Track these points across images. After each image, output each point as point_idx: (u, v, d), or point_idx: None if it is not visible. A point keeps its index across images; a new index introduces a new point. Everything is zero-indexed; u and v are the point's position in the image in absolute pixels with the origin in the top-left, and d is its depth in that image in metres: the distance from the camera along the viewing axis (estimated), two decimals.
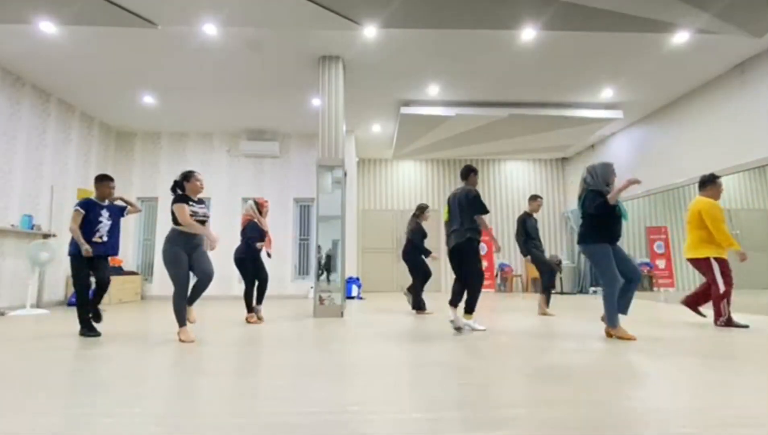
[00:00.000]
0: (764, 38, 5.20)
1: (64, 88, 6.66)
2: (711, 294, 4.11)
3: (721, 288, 3.99)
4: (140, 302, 7.48)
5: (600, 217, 3.40)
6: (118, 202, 4.09)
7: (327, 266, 5.73)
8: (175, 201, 3.45)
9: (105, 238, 3.87)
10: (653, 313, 5.25)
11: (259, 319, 4.65)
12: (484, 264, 5.55)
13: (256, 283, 4.73)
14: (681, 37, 5.26)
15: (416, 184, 10.50)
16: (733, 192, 8.60)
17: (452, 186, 10.48)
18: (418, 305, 5.42)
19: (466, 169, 4.27)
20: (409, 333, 3.78)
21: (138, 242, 8.56)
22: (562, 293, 9.25)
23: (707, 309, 4.30)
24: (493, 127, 7.99)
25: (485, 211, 4.03)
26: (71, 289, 6.96)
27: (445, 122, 7.67)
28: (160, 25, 4.95)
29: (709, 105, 6.45)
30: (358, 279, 8.40)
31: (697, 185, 4.37)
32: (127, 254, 8.33)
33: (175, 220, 3.45)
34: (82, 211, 3.77)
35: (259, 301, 4.74)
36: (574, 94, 7.04)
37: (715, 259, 4.03)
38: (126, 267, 8.05)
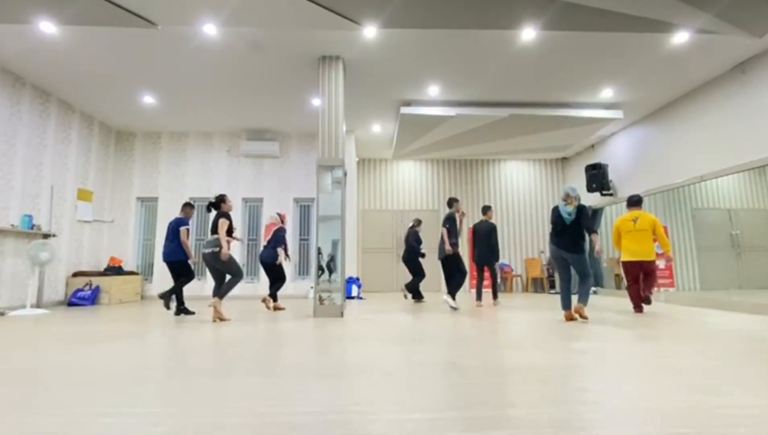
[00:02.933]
0: (764, 38, 5.20)
1: (64, 88, 6.67)
2: (648, 286, 5.18)
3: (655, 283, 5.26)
4: (140, 302, 7.47)
5: (583, 231, 4.46)
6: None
7: (329, 266, 5.80)
8: (218, 217, 4.81)
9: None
10: (652, 311, 5.25)
11: (280, 308, 5.83)
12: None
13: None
14: (681, 37, 5.26)
15: (416, 184, 10.50)
16: (733, 192, 8.59)
17: (452, 186, 10.49)
18: (416, 294, 6.79)
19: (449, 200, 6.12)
20: (409, 333, 3.78)
21: (138, 242, 8.56)
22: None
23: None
24: (493, 127, 7.99)
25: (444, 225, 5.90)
26: (71, 289, 6.97)
27: (445, 122, 7.67)
28: (160, 25, 4.95)
29: (709, 105, 6.45)
30: (358, 279, 8.40)
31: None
32: (127, 254, 8.33)
33: (215, 231, 4.82)
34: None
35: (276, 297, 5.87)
36: (574, 94, 7.04)
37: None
38: (126, 267, 8.06)
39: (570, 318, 4.46)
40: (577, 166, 9.96)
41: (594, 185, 8.73)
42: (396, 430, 1.51)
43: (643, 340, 3.33)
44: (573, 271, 4.60)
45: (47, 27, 4.98)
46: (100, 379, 2.24)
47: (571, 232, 4.45)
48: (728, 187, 8.48)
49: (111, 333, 3.91)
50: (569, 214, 4.43)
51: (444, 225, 5.90)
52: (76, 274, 7.15)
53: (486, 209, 6.63)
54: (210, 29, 5.06)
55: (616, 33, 5.17)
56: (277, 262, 5.73)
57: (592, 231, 4.42)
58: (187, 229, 5.38)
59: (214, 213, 5.00)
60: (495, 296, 6.55)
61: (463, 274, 5.88)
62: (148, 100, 7.12)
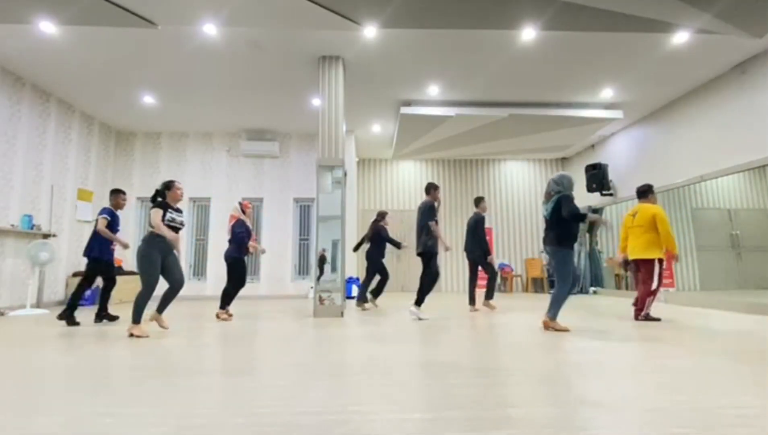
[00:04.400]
0: (764, 38, 5.20)
1: (64, 88, 6.66)
2: (639, 292, 4.59)
3: (655, 285, 4.50)
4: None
5: (571, 223, 3.83)
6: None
7: (321, 265, 5.74)
8: (153, 206, 3.78)
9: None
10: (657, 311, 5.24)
11: (230, 315, 4.94)
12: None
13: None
14: (681, 37, 5.26)
15: (416, 184, 10.50)
16: (733, 192, 8.59)
17: (452, 186, 10.49)
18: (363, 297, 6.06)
19: (427, 185, 5.33)
20: (409, 333, 3.78)
21: (137, 243, 8.55)
22: None
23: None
24: (493, 127, 7.98)
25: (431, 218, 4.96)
26: (71, 289, 6.95)
27: (445, 122, 7.66)
28: (160, 25, 4.95)
29: (709, 105, 6.45)
30: (358, 279, 8.40)
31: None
32: (127, 254, 8.33)
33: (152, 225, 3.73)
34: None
35: (230, 302, 5.02)
36: (574, 94, 7.04)
37: (659, 260, 4.56)
38: (126, 267, 8.05)
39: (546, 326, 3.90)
40: (577, 166, 9.96)
41: (594, 185, 8.73)
42: (396, 430, 1.51)
43: (643, 340, 3.33)
44: (576, 273, 4.19)
45: (47, 27, 4.98)
46: (100, 379, 2.24)
47: (551, 226, 3.93)
48: (728, 187, 8.48)
49: (111, 333, 3.92)
50: (546, 211, 4.01)
51: (431, 218, 5.00)
52: (76, 274, 7.14)
53: (478, 201, 6.08)
54: (210, 29, 5.06)
55: (616, 33, 5.17)
56: (235, 257, 4.94)
57: (581, 216, 3.74)
58: (104, 218, 4.61)
59: (225, 211, 4.55)
60: (488, 296, 5.81)
61: (433, 275, 4.92)
62: (148, 100, 7.12)
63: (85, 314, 5.52)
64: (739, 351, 2.87)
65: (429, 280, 4.88)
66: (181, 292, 4.01)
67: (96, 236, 4.61)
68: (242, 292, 8.01)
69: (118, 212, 4.91)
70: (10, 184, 6.04)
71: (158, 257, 3.68)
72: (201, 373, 2.38)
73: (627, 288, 8.42)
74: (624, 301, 6.93)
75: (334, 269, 5.58)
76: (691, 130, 6.81)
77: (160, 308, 3.87)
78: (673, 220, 8.88)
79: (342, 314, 5.14)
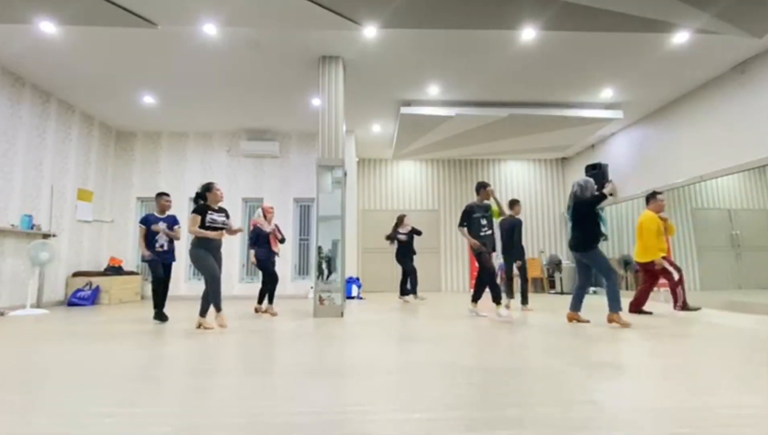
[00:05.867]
0: (764, 38, 5.19)
1: (64, 88, 6.66)
2: (668, 285, 5.05)
3: (675, 275, 4.95)
4: (140, 302, 7.47)
5: (593, 224, 4.05)
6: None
7: (328, 265, 5.71)
8: (193, 211, 3.99)
9: (165, 247, 4.73)
10: (657, 311, 5.24)
11: (273, 314, 5.29)
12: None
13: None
14: (681, 37, 5.26)
15: (416, 184, 10.50)
16: (733, 192, 8.59)
17: (452, 186, 10.49)
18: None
19: (478, 184, 5.06)
20: (409, 333, 3.78)
21: (134, 245, 8.56)
22: (562, 293, 9.24)
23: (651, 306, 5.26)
24: (493, 127, 7.98)
25: (460, 224, 4.89)
26: (71, 289, 6.96)
27: (445, 122, 7.66)
28: (160, 25, 4.95)
29: (709, 105, 6.45)
30: (358, 279, 8.40)
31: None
32: (127, 254, 8.33)
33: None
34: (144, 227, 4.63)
35: (271, 300, 5.44)
36: (574, 94, 7.04)
37: (662, 258, 4.92)
38: (126, 267, 8.05)
39: (570, 319, 4.37)
40: (577, 166, 9.96)
41: (594, 185, 8.73)
42: (396, 430, 1.51)
43: (643, 340, 3.33)
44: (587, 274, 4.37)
45: (47, 27, 4.98)
46: (100, 378, 2.24)
47: (573, 228, 4.19)
48: (728, 187, 8.47)
49: (111, 333, 3.92)
50: (568, 211, 4.29)
51: (461, 223, 4.92)
52: (76, 274, 7.14)
53: (512, 203, 5.88)
54: (210, 29, 5.06)
55: (617, 33, 5.17)
56: (254, 262, 5.36)
57: (598, 197, 4.03)
58: (141, 227, 4.72)
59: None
60: (524, 301, 5.86)
61: (489, 272, 4.79)
62: (148, 100, 7.12)
63: (85, 314, 5.52)
64: (740, 351, 2.87)
65: (484, 276, 4.87)
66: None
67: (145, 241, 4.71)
68: (242, 291, 8.02)
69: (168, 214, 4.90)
70: (10, 184, 6.04)
71: (207, 253, 3.94)
72: (201, 373, 2.38)
73: (627, 288, 8.41)
74: (624, 302, 6.91)
75: (334, 269, 5.57)
76: (691, 130, 6.81)
77: (202, 311, 4.03)
78: (673, 220, 8.88)
79: (342, 314, 5.14)
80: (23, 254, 5.99)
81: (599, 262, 4.08)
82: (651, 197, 5.22)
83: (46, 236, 6.49)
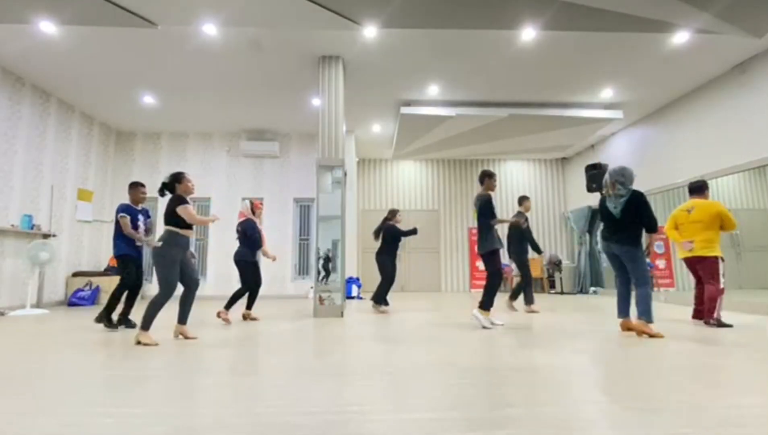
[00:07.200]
0: (764, 38, 5.19)
1: (64, 88, 6.66)
2: (706, 293, 4.12)
3: (722, 286, 4.07)
4: (140, 302, 7.46)
5: (648, 219, 3.60)
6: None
7: (326, 267, 5.66)
8: (178, 202, 3.34)
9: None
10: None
11: (254, 319, 4.81)
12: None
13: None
14: (681, 37, 5.26)
15: (416, 184, 10.50)
16: (733, 192, 8.60)
17: (452, 186, 10.49)
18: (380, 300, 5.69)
19: (481, 173, 4.43)
20: (409, 333, 3.78)
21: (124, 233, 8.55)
22: (562, 293, 9.25)
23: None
24: (493, 127, 7.98)
25: (492, 216, 4.22)
26: (71, 289, 6.96)
27: (445, 122, 7.66)
28: (160, 25, 4.95)
29: (709, 105, 6.44)
30: (358, 279, 8.40)
31: (699, 187, 4.50)
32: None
33: (169, 222, 3.32)
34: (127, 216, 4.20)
35: (250, 306, 4.90)
36: (574, 94, 7.04)
37: (721, 258, 4.16)
38: None
39: (625, 328, 3.69)
40: (577, 166, 9.96)
41: (594, 185, 8.69)
42: (396, 430, 1.51)
43: (643, 340, 3.32)
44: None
45: (47, 27, 4.98)
46: (100, 379, 2.24)
47: (624, 226, 3.67)
48: (728, 187, 8.48)
49: (111, 333, 3.91)
50: (615, 208, 3.67)
51: (492, 216, 4.31)
52: (76, 274, 7.14)
53: (522, 200, 5.80)
54: (210, 29, 5.06)
55: (617, 33, 5.17)
56: (249, 260, 4.84)
57: (651, 229, 3.60)
58: (123, 217, 4.27)
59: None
60: (528, 300, 5.69)
61: (497, 275, 4.25)
62: (148, 100, 7.12)
63: (85, 314, 5.52)
64: (740, 351, 2.86)
65: (493, 280, 4.24)
66: (178, 291, 3.83)
67: (119, 234, 4.24)
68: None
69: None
70: (10, 184, 6.04)
71: (179, 257, 3.34)
72: (201, 373, 2.37)
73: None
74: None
75: (334, 269, 5.56)
76: (691, 130, 6.81)
77: (182, 318, 3.51)
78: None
79: (342, 314, 5.14)
80: (23, 254, 5.98)
81: (641, 262, 3.61)
82: (705, 187, 4.50)
83: (46, 236, 6.49)
